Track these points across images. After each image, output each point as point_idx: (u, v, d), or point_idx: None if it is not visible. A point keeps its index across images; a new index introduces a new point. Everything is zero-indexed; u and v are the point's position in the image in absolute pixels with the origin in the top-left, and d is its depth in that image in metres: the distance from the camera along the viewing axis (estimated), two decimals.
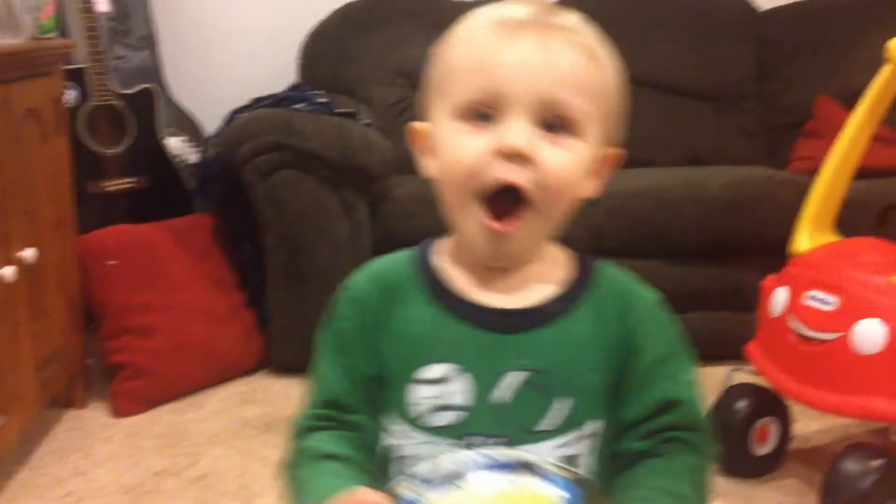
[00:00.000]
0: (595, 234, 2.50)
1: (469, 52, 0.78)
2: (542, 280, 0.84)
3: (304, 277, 2.49)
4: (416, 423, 0.82)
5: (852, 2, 3.17)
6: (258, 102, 2.64)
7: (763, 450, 1.96)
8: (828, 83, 3.03)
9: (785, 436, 1.99)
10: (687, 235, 2.53)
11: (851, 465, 1.68)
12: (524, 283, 0.83)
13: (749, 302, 2.02)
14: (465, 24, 0.82)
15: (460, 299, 0.82)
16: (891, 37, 1.89)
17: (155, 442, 2.15)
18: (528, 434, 0.79)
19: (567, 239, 2.38)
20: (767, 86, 3.12)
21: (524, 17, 0.78)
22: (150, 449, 2.12)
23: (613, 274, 0.86)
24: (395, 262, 0.88)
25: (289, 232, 2.46)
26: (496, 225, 0.77)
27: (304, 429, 0.87)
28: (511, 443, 0.78)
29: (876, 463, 1.67)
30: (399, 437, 0.83)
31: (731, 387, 2.00)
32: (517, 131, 0.75)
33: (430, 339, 0.82)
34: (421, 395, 0.81)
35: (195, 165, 2.78)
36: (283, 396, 2.41)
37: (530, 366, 0.80)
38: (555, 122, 0.76)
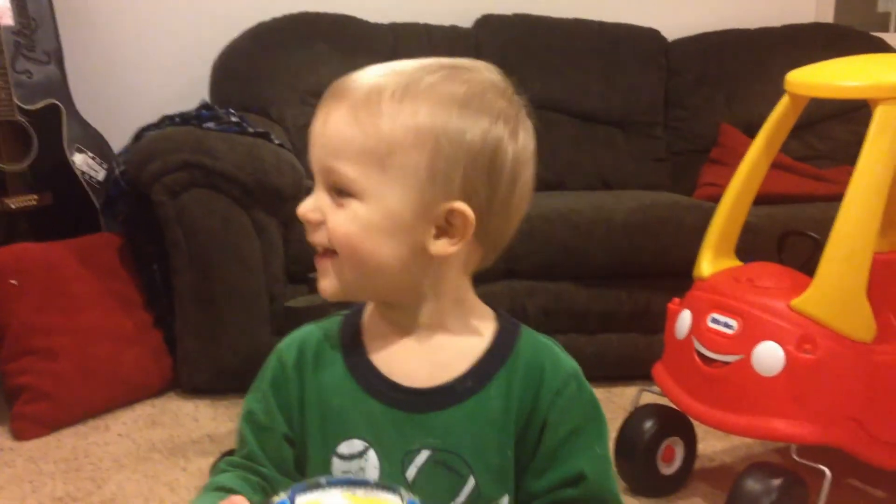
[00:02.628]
0: (508, 256, 2.52)
1: None
2: (456, 353, 0.83)
3: (214, 298, 2.45)
4: None
5: (755, 35, 3.29)
6: (168, 120, 2.59)
7: (669, 469, 2.01)
8: (732, 112, 3.15)
9: (690, 455, 2.04)
10: (597, 258, 2.58)
11: (753, 484, 1.73)
12: (438, 355, 0.83)
13: (658, 324, 2.07)
14: None
15: (375, 374, 0.84)
16: (790, 69, 1.97)
17: (57, 467, 2.09)
18: None
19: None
20: (674, 113, 3.21)
21: (333, 86, 0.81)
22: (52, 474, 2.05)
23: (532, 346, 0.85)
24: (326, 326, 0.89)
25: (199, 252, 2.43)
26: (317, 265, 0.83)
27: (217, 470, 0.89)
28: None
29: (777, 482, 1.73)
30: None
31: (639, 407, 2.04)
32: (305, 201, 0.81)
33: (347, 413, 0.83)
34: (340, 469, 0.83)
35: (102, 183, 2.71)
36: (191, 419, 2.37)
37: (438, 446, 0.81)
38: (338, 188, 0.79)
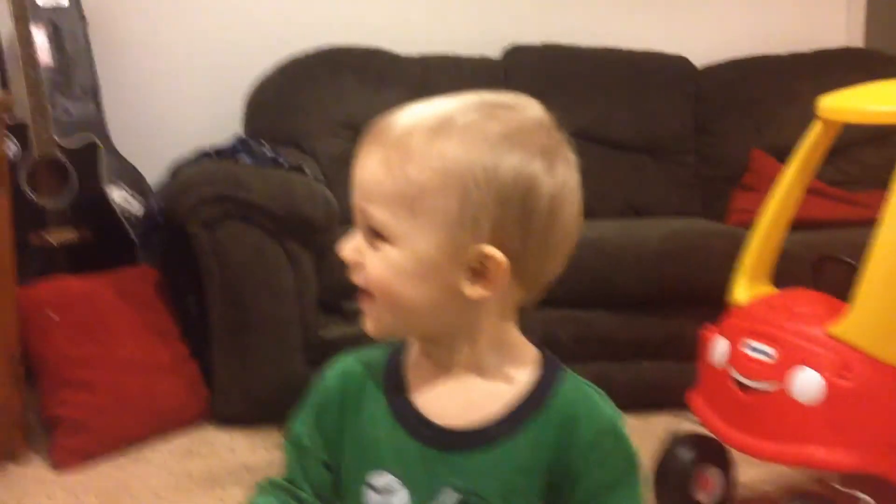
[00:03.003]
0: None
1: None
2: (491, 396, 0.83)
3: (248, 329, 2.47)
4: None
5: (785, 60, 3.29)
6: (203, 154, 2.64)
7: (707, 499, 1.99)
8: (762, 137, 3.14)
9: (728, 484, 2.02)
10: (628, 285, 2.58)
11: None
12: (473, 395, 0.83)
13: (690, 351, 2.06)
14: None
15: (411, 409, 0.84)
16: (821, 94, 1.97)
17: (97, 498, 2.11)
18: None
19: None
20: (704, 139, 3.21)
21: (372, 129, 0.82)
22: None
23: (571, 393, 0.83)
24: (372, 356, 0.90)
25: (233, 283, 2.45)
26: (361, 304, 0.83)
27: (259, 489, 0.90)
28: None
29: None
30: None
31: (674, 435, 2.03)
32: (345, 242, 0.82)
33: (381, 445, 0.84)
34: (372, 501, 0.84)
35: (139, 217, 2.75)
36: (227, 449, 2.38)
37: (464, 487, 0.81)
38: (374, 231, 0.80)
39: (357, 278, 0.82)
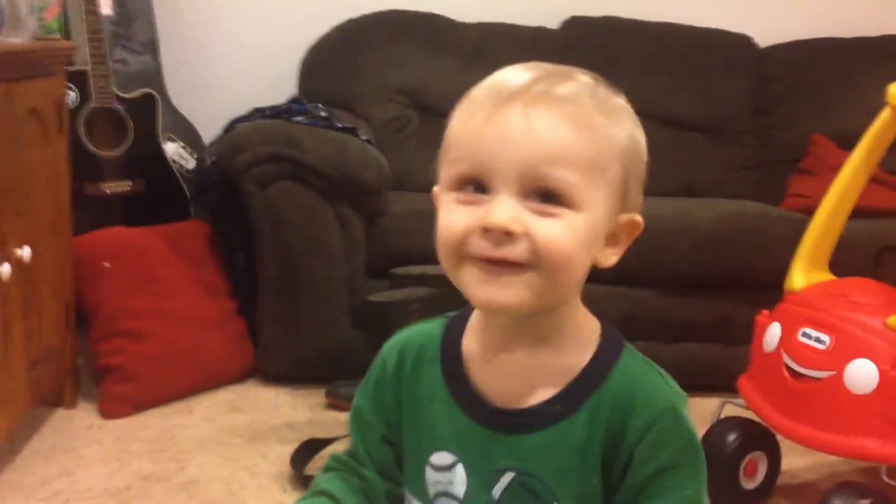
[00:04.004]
0: None
1: (462, 123, 0.77)
2: (551, 374, 0.81)
3: (296, 289, 2.49)
4: (429, 502, 0.85)
5: (851, 44, 3.21)
6: (258, 113, 2.64)
7: (751, 484, 1.98)
8: (824, 122, 3.07)
9: (773, 471, 2.00)
10: (679, 266, 2.55)
11: (840, 503, 1.70)
12: (534, 374, 0.81)
13: (740, 335, 2.04)
14: (471, 90, 0.80)
15: (469, 389, 0.83)
16: (890, 80, 1.92)
17: (143, 446, 2.14)
18: None
19: None
20: (764, 121, 3.15)
21: (517, 86, 0.76)
22: (137, 453, 2.11)
23: (630, 371, 0.81)
24: (429, 331, 0.88)
25: (283, 243, 2.46)
26: (488, 267, 0.75)
27: (325, 468, 0.92)
28: None
29: (864, 502, 1.69)
30: None
31: (721, 420, 2.01)
32: (501, 209, 0.74)
33: (439, 424, 0.84)
34: (432, 479, 0.84)
35: (192, 172, 2.77)
36: (271, 406, 2.41)
37: (521, 468, 0.80)
38: (544, 194, 0.74)
39: (511, 251, 0.74)
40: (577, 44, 3.13)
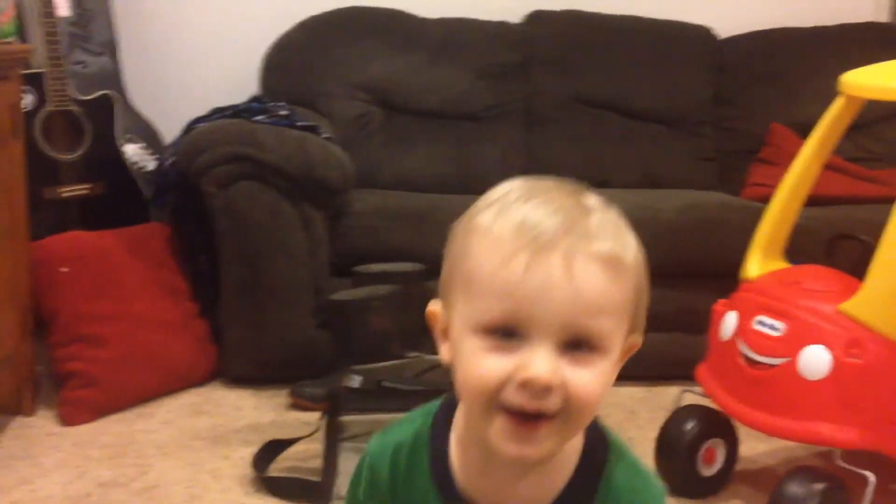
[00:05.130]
0: None
1: (495, 268, 0.73)
2: (540, 485, 0.81)
3: (259, 290, 2.48)
4: None
5: (808, 33, 3.24)
6: (218, 112, 2.63)
7: (710, 471, 1.99)
8: (782, 112, 3.10)
9: (731, 457, 2.02)
10: None
11: (795, 488, 1.71)
12: (525, 485, 0.81)
13: (702, 324, 2.05)
14: (493, 223, 0.76)
15: (458, 499, 0.83)
16: (844, 70, 1.94)
17: (103, 452, 2.13)
18: None
19: None
20: (724, 112, 3.17)
21: (552, 233, 0.73)
22: (97, 459, 2.09)
23: (625, 481, 0.82)
24: (416, 433, 0.87)
25: (245, 244, 2.45)
26: (521, 427, 0.74)
27: None
28: None
29: (819, 486, 1.71)
30: None
31: (681, 408, 2.03)
32: (542, 363, 0.72)
33: None
34: None
35: (153, 173, 2.75)
36: (234, 408, 2.39)
37: None
38: (579, 344, 0.73)
39: (546, 403, 0.72)
40: (539, 38, 3.14)
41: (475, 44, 3.10)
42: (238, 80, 3.05)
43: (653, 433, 2.02)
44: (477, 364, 0.73)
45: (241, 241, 2.45)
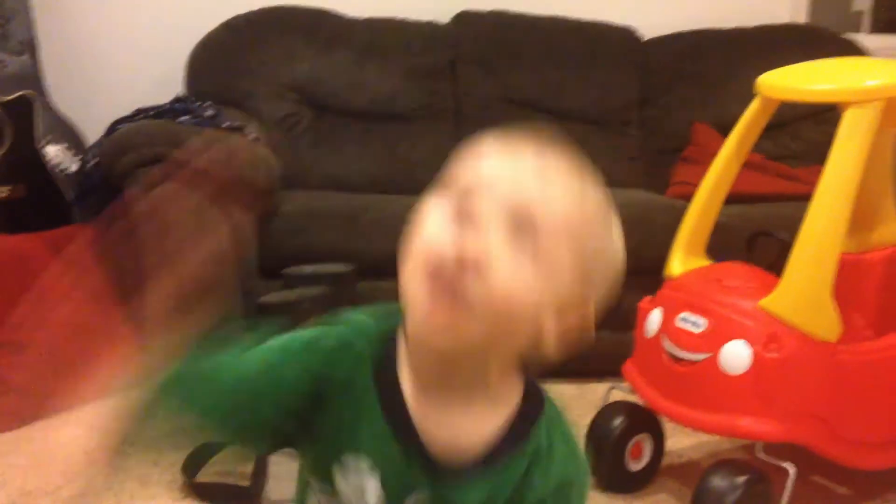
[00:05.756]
0: None
1: (471, 162, 0.79)
2: (481, 420, 0.82)
3: (186, 293, 2.44)
4: (332, 498, 0.84)
5: (729, 35, 3.32)
6: (142, 113, 2.59)
7: (637, 466, 2.03)
8: (705, 111, 3.17)
9: (658, 452, 2.06)
10: None
11: (718, 481, 1.76)
12: (465, 418, 0.81)
13: (629, 321, 2.08)
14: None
15: (399, 415, 0.81)
16: (764, 70, 1.99)
17: (27, 460, 2.08)
18: None
19: None
20: (649, 112, 3.23)
21: (531, 148, 0.79)
22: (22, 467, 2.04)
23: (551, 429, 0.85)
24: (371, 332, 0.85)
25: (171, 246, 2.41)
26: (440, 312, 0.75)
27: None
28: None
29: (741, 479, 1.75)
30: (315, 501, 0.86)
31: (608, 404, 2.06)
32: (484, 238, 0.74)
33: (365, 430, 0.82)
34: (341, 477, 0.82)
35: (75, 175, 2.70)
36: None
37: (436, 495, 0.81)
38: (527, 237, 0.75)
39: (472, 279, 0.73)
40: (466, 38, 3.16)
41: (403, 44, 3.10)
42: (162, 80, 3.01)
43: (583, 430, 2.05)
44: (429, 218, 0.77)
45: (165, 243, 2.41)
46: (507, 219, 0.74)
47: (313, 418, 0.82)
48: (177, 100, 2.70)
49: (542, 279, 0.75)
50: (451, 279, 0.73)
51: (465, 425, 0.81)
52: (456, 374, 0.80)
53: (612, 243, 0.83)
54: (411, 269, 0.76)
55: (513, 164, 0.77)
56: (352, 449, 0.82)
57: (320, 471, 0.84)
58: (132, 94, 2.85)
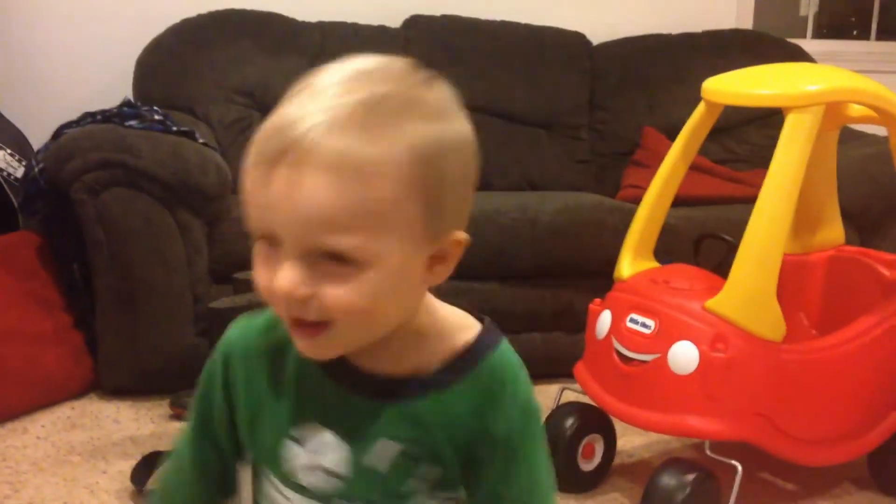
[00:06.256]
0: None
1: (245, 174, 0.73)
2: (422, 352, 0.80)
3: (135, 299, 2.42)
4: (287, 479, 0.82)
5: (677, 40, 3.37)
6: (89, 117, 2.55)
7: (589, 466, 2.05)
8: (654, 115, 3.21)
9: (610, 452, 2.08)
10: (522, 258, 2.61)
11: (667, 480, 1.78)
12: (410, 350, 0.80)
13: (580, 323, 2.11)
14: (266, 122, 0.73)
15: (339, 360, 0.79)
16: (710, 74, 2.02)
17: None
18: (395, 499, 0.80)
19: None
20: (598, 116, 3.27)
21: (286, 141, 0.69)
22: None
23: (501, 363, 0.82)
24: (264, 321, 0.85)
25: (120, 252, 2.39)
26: (298, 331, 0.75)
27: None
28: None
29: (690, 477, 1.78)
30: (274, 488, 0.84)
31: (560, 405, 2.08)
32: (283, 275, 0.71)
33: (309, 398, 0.81)
34: (293, 453, 0.81)
35: (21, 181, 2.65)
36: (112, 421, 2.33)
37: (402, 435, 0.79)
38: (330, 256, 0.70)
39: (303, 311, 0.72)
40: (417, 42, 3.17)
41: (354, 48, 3.05)
42: (109, 84, 2.97)
43: None
44: (256, 269, 0.74)
45: (114, 249, 2.39)
46: (302, 248, 0.70)
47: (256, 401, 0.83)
48: (124, 104, 2.66)
49: (372, 277, 0.71)
50: (295, 318, 0.73)
51: (401, 359, 0.80)
52: (365, 344, 0.78)
53: (424, 146, 0.71)
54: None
55: (272, 194, 0.70)
56: (301, 421, 0.81)
57: (271, 456, 0.82)
58: (79, 99, 2.82)
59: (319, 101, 0.71)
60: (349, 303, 0.71)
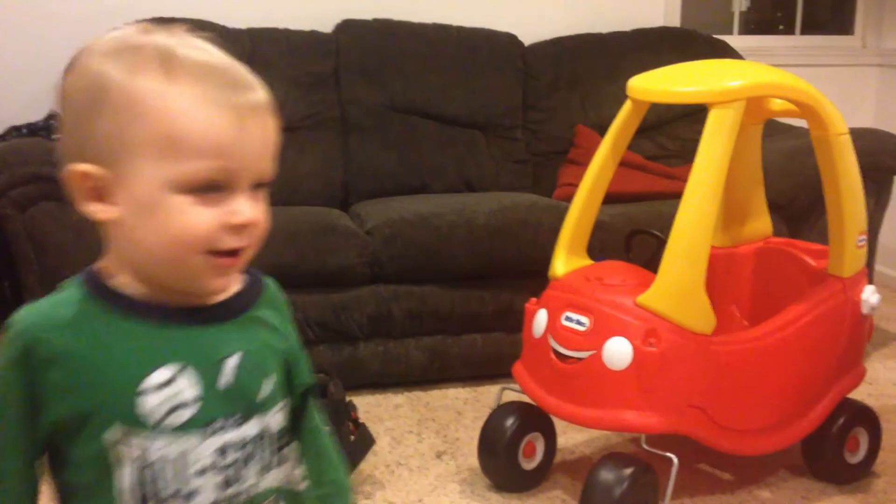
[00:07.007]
0: (372, 261, 2.54)
1: (202, 128, 0.80)
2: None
3: None
4: (156, 428, 0.83)
5: (607, 39, 3.40)
6: (14, 131, 2.51)
7: (531, 464, 2.06)
8: (586, 113, 3.25)
9: (551, 449, 2.10)
10: (459, 260, 2.62)
11: (606, 475, 1.80)
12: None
13: (520, 323, 2.12)
14: (187, 88, 0.81)
15: (154, 306, 0.85)
16: (639, 71, 2.05)
17: None
18: (255, 406, 0.88)
19: (345, 268, 2.34)
20: (532, 116, 3.29)
21: (254, 100, 0.83)
22: None
23: (273, 284, 0.96)
24: (58, 300, 0.87)
25: (50, 267, 2.35)
26: (227, 262, 0.84)
27: None
28: (245, 418, 0.87)
29: (628, 471, 1.80)
30: (140, 449, 0.84)
31: (501, 405, 2.09)
32: (247, 207, 0.83)
33: (140, 350, 0.84)
34: (152, 403, 0.83)
35: None
36: None
37: (240, 349, 0.88)
38: (261, 184, 0.85)
39: (245, 238, 0.84)
40: (349, 47, 3.16)
41: (286, 53, 3.08)
42: (35, 97, 2.90)
43: (477, 433, 2.08)
44: (186, 217, 0.81)
45: (44, 264, 2.35)
46: (255, 176, 0.84)
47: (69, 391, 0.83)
48: (51, 116, 2.62)
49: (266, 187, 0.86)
50: (236, 248, 0.83)
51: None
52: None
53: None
54: (185, 257, 0.82)
55: (254, 139, 0.84)
56: (144, 373, 0.83)
57: (125, 419, 0.83)
58: (4, 112, 2.76)
59: (238, 67, 0.86)
60: (265, 222, 0.85)
